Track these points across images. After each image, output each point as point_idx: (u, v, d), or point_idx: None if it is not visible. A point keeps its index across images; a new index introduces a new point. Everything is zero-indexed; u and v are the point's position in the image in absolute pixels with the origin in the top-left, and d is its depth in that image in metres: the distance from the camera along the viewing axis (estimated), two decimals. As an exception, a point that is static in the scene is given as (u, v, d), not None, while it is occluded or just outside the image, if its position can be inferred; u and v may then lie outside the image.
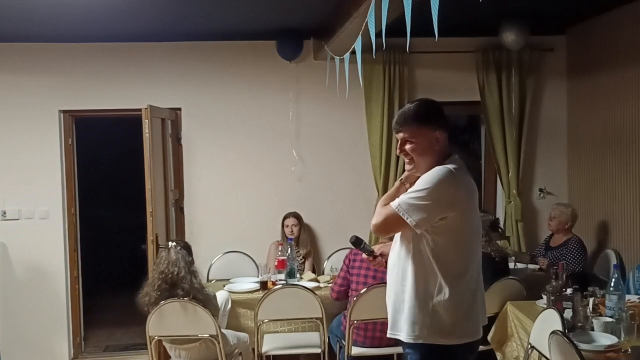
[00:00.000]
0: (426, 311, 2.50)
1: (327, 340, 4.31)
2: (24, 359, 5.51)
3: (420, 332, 2.51)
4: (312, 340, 4.44)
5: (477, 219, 2.61)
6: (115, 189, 7.90)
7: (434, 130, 2.54)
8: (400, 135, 2.59)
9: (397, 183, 2.73)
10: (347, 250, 4.48)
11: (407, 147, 2.56)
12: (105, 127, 6.98)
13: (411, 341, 2.53)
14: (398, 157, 5.63)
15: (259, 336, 4.31)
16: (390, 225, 2.54)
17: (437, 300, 2.50)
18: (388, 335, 2.68)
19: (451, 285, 2.50)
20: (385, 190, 5.64)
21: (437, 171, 2.48)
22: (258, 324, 4.26)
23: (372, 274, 4.17)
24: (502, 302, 4.16)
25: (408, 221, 2.45)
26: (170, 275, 3.93)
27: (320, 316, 4.24)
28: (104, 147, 7.51)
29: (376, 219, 2.57)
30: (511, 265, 4.86)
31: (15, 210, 5.50)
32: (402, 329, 2.57)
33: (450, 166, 2.50)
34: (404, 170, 2.70)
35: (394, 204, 2.49)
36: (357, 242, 2.76)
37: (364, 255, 2.82)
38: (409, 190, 2.51)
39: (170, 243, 4.12)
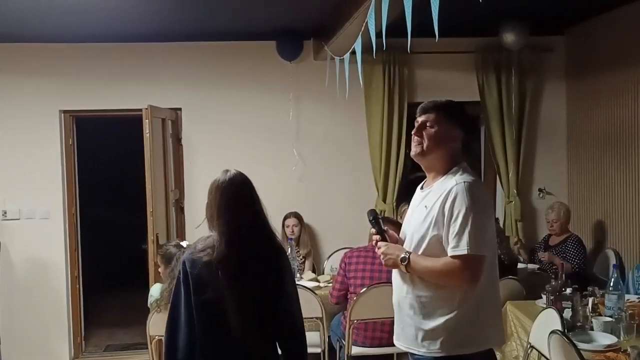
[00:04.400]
0: (452, 322, 2.42)
1: (327, 339, 4.31)
2: (24, 358, 5.51)
3: (443, 345, 2.43)
4: (312, 340, 4.41)
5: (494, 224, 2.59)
6: (116, 189, 7.89)
7: (455, 128, 2.55)
8: (423, 118, 2.57)
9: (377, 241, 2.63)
10: (347, 250, 4.48)
11: (426, 130, 2.54)
12: (106, 127, 6.99)
13: (434, 355, 2.45)
14: (398, 157, 5.64)
15: (259, 336, 4.30)
16: (480, 270, 2.39)
17: (463, 311, 2.42)
18: (397, 345, 2.63)
19: (477, 295, 2.43)
20: (385, 190, 5.66)
21: (467, 190, 2.40)
22: (258, 324, 4.26)
23: (369, 275, 4.17)
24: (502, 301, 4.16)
25: (485, 253, 2.39)
26: None
27: (321, 316, 4.24)
28: (104, 147, 7.52)
29: (454, 277, 2.37)
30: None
31: (15, 210, 5.50)
32: (422, 344, 2.48)
33: (469, 179, 2.45)
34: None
35: (462, 247, 2.35)
36: (375, 218, 2.65)
37: (372, 231, 2.66)
38: (454, 222, 2.37)
39: (183, 243, 4.16)
